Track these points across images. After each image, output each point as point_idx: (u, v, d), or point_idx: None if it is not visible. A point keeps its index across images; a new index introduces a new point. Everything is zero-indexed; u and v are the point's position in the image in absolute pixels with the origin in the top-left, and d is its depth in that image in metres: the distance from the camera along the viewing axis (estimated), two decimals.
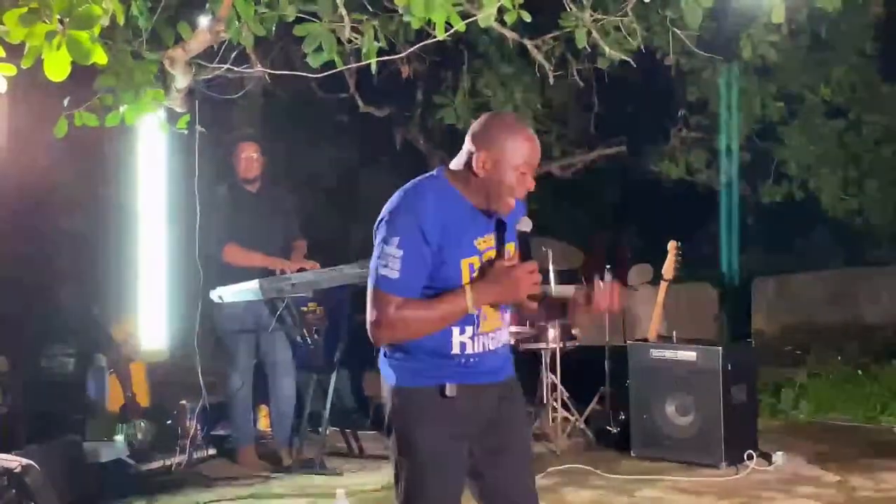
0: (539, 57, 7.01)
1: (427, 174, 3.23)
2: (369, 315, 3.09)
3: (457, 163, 3.18)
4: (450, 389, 3.13)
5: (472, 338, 3.17)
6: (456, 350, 3.16)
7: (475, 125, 3.20)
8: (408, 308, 3.05)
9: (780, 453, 6.40)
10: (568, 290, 7.61)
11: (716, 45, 7.92)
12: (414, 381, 3.17)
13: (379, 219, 3.13)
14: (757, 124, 9.73)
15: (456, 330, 3.14)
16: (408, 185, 3.19)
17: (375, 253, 3.09)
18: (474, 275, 3.13)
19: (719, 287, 11.40)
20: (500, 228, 3.18)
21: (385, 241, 3.05)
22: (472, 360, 3.19)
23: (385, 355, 3.24)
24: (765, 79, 9.34)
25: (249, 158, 6.69)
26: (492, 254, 3.17)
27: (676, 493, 5.89)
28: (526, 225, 3.20)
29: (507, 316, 3.31)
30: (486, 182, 3.11)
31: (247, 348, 6.69)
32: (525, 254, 3.21)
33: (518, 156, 3.10)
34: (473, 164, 3.11)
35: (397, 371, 3.19)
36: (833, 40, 9.29)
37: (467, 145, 3.16)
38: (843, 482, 6.00)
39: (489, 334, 3.22)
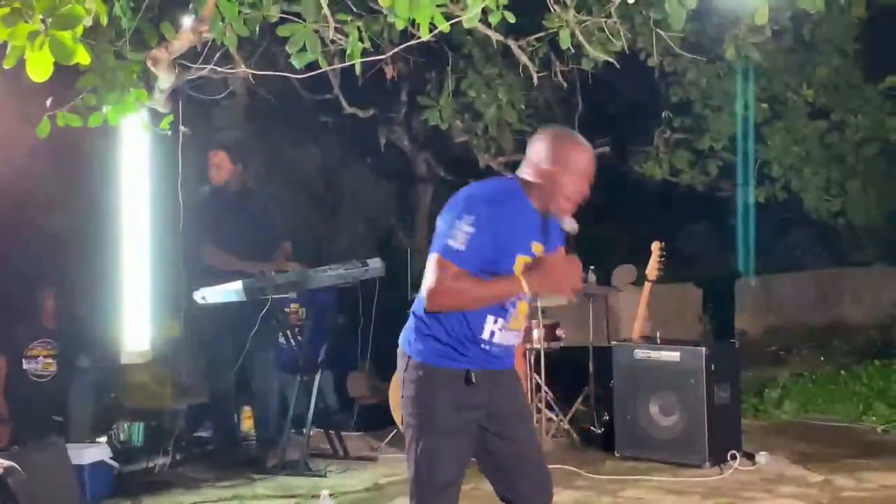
0: (523, 58, 7.01)
1: (503, 177, 3.64)
2: (426, 282, 3.38)
3: (523, 171, 3.53)
4: (475, 377, 3.46)
5: (501, 329, 3.50)
6: (486, 335, 3.48)
7: (536, 138, 3.55)
8: (464, 280, 3.35)
9: (763, 453, 6.42)
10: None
11: (699, 46, 7.94)
12: (441, 361, 3.46)
13: (452, 202, 3.45)
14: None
15: (491, 318, 3.47)
16: (487, 180, 3.62)
17: (443, 229, 3.39)
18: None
19: (703, 287, 11.44)
20: (549, 232, 3.50)
21: (459, 217, 3.36)
22: (493, 349, 3.50)
23: (417, 332, 3.50)
24: (748, 80, 9.37)
25: (217, 166, 6.71)
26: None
27: (660, 493, 5.90)
28: (570, 226, 3.47)
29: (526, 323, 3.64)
30: (546, 190, 3.46)
31: (228, 349, 6.68)
32: (569, 251, 3.49)
33: (578, 166, 3.47)
34: (537, 174, 3.47)
35: (426, 349, 3.48)
36: (816, 41, 9.33)
37: (531, 156, 3.51)
38: (826, 482, 6.02)
39: (513, 332, 3.56)
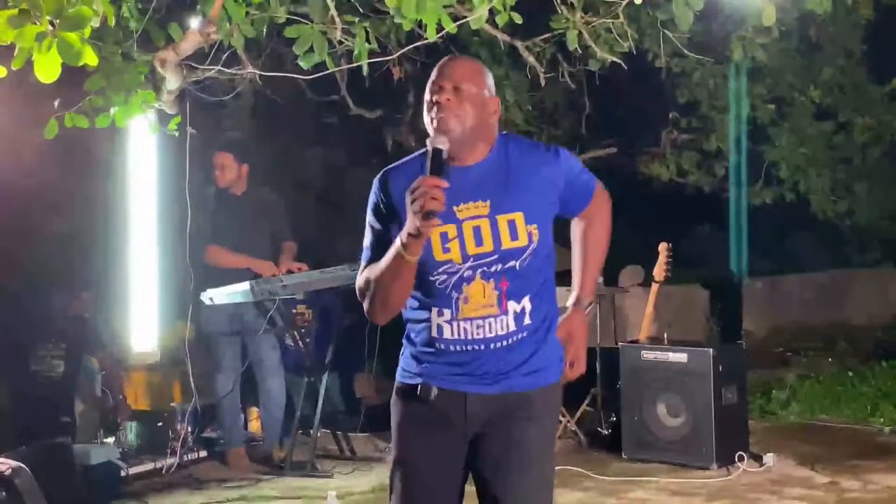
0: (530, 59, 7.01)
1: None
2: None
3: None
4: (422, 390, 2.97)
5: (449, 322, 2.93)
6: (434, 333, 2.95)
7: None
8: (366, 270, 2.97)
9: (771, 455, 6.41)
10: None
11: (706, 47, 7.93)
12: (401, 377, 3.07)
13: None
14: (747, 125, 9.79)
15: (435, 311, 2.94)
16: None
17: None
18: (448, 244, 2.89)
19: (710, 288, 11.43)
20: (436, 164, 2.78)
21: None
22: (453, 349, 2.95)
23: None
24: (755, 80, 9.38)
25: (223, 167, 6.71)
26: (479, 222, 2.90)
27: (667, 495, 5.89)
28: (441, 143, 2.83)
29: (515, 304, 2.94)
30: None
31: (234, 350, 6.69)
32: (437, 173, 2.77)
33: (427, 90, 3.00)
34: None
35: (399, 369, 3.11)
36: (822, 42, 9.33)
37: None
38: (833, 483, 6.01)
39: (473, 320, 2.92)
